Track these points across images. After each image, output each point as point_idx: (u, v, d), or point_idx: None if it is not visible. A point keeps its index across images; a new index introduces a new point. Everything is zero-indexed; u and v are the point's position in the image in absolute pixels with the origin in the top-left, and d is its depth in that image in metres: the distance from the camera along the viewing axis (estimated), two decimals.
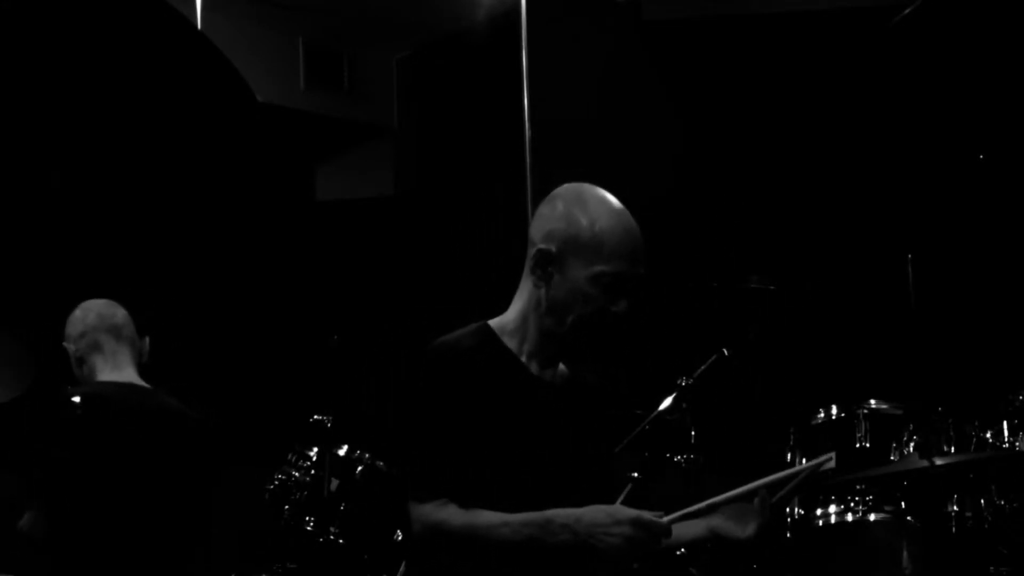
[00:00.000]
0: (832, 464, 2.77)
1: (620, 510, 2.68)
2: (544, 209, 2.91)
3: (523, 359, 2.90)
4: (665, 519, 2.70)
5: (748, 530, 2.85)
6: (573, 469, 2.86)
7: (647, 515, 2.68)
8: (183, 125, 5.84)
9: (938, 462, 3.53)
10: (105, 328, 4.27)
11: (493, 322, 2.94)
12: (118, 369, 4.25)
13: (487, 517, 2.70)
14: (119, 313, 4.32)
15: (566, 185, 2.96)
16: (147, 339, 4.37)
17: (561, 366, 2.97)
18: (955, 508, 3.85)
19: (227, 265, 6.01)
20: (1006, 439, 3.79)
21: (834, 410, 4.04)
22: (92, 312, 4.30)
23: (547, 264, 2.85)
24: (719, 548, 2.90)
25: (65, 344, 4.30)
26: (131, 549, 4.05)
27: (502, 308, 3.01)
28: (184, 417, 4.22)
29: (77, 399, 4.33)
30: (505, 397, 2.82)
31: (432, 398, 2.79)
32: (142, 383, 4.26)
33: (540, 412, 2.87)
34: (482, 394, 2.78)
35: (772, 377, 5.01)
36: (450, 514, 2.70)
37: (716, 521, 2.89)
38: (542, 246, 2.85)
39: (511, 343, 2.90)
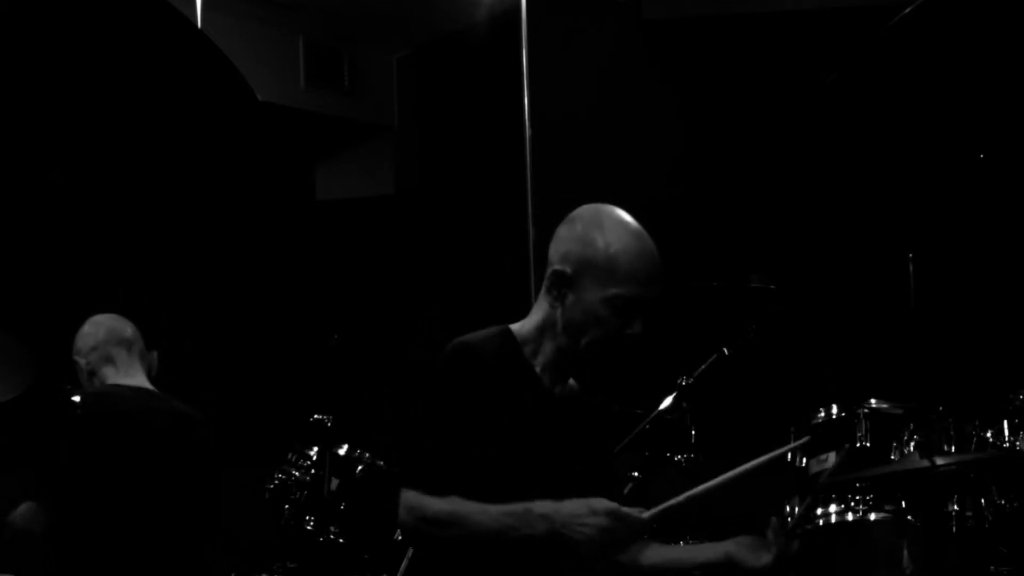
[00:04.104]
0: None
1: (598, 502, 2.70)
2: (562, 230, 2.93)
3: (538, 370, 2.92)
4: (646, 514, 2.70)
5: (763, 559, 2.87)
6: (572, 483, 2.88)
7: (627, 510, 2.69)
8: (183, 124, 5.84)
9: (938, 462, 3.52)
10: (116, 341, 4.32)
11: (514, 327, 2.95)
12: (129, 376, 4.28)
13: (467, 505, 2.73)
14: (128, 327, 4.38)
15: (586, 206, 2.97)
16: (155, 353, 4.42)
17: (571, 382, 2.99)
18: (955, 508, 3.84)
19: (227, 265, 6.01)
20: (1006, 439, 3.79)
21: (834, 410, 4.03)
22: (102, 327, 4.36)
23: (562, 285, 2.87)
24: (733, 574, 2.92)
25: (75, 358, 4.33)
26: (140, 549, 4.05)
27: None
28: (193, 419, 4.24)
29: (77, 398, 4.34)
30: (517, 406, 2.85)
31: (448, 395, 2.82)
32: (152, 387, 4.28)
33: (547, 425, 2.90)
34: (496, 400, 2.81)
35: (772, 377, 5.00)
36: (431, 500, 2.72)
37: (732, 548, 2.91)
38: (558, 267, 2.88)
39: (527, 352, 2.93)
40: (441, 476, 2.75)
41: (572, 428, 2.95)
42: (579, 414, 2.99)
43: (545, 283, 2.91)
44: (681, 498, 2.76)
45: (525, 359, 2.91)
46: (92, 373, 4.31)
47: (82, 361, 4.31)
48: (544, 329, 2.92)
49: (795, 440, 3.79)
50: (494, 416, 2.80)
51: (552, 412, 2.92)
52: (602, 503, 2.69)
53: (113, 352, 4.31)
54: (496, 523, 2.70)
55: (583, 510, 2.68)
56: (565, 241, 2.90)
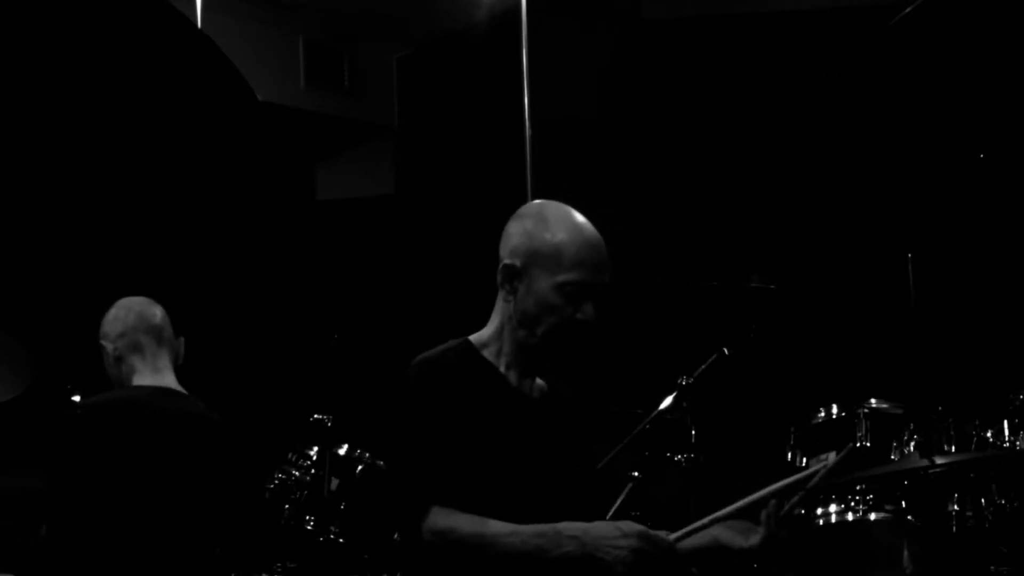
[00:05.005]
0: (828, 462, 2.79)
1: (628, 525, 2.73)
2: (509, 227, 3.04)
3: (502, 370, 2.97)
4: (671, 536, 2.72)
5: (751, 540, 2.87)
6: (553, 480, 2.91)
7: (653, 532, 2.71)
8: (183, 124, 5.84)
9: (938, 461, 3.53)
10: (145, 329, 4.19)
11: (472, 337, 3.03)
12: (157, 372, 4.18)
13: (496, 526, 2.74)
14: (158, 313, 4.25)
15: (531, 202, 3.11)
16: (182, 340, 4.33)
17: (539, 380, 3.02)
18: (955, 507, 3.85)
19: (227, 265, 6.01)
20: (1006, 438, 3.79)
21: (834, 410, 4.04)
22: (132, 312, 4.22)
23: (513, 278, 2.96)
24: (721, 558, 2.92)
25: (102, 342, 4.19)
26: (153, 551, 4.03)
27: None
28: (209, 423, 4.19)
29: (77, 398, 4.32)
30: (488, 408, 2.89)
31: (422, 411, 2.85)
32: (178, 387, 4.22)
33: (520, 423, 2.94)
34: (467, 405, 2.85)
35: (772, 377, 5.01)
36: (459, 522, 2.74)
37: (719, 531, 2.91)
38: (507, 261, 2.98)
39: (490, 356, 2.99)
40: (453, 486, 2.77)
41: (546, 422, 2.98)
42: (551, 408, 3.01)
43: (498, 279, 2.99)
44: (706, 520, 2.77)
45: (487, 362, 2.97)
46: (119, 359, 4.19)
47: (109, 347, 4.20)
48: (503, 327, 2.99)
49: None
50: (472, 420, 2.84)
51: (524, 409, 2.95)
52: (631, 525, 2.73)
53: (142, 340, 4.19)
54: (527, 545, 2.72)
55: (613, 532, 2.71)
56: (513, 236, 3.00)
